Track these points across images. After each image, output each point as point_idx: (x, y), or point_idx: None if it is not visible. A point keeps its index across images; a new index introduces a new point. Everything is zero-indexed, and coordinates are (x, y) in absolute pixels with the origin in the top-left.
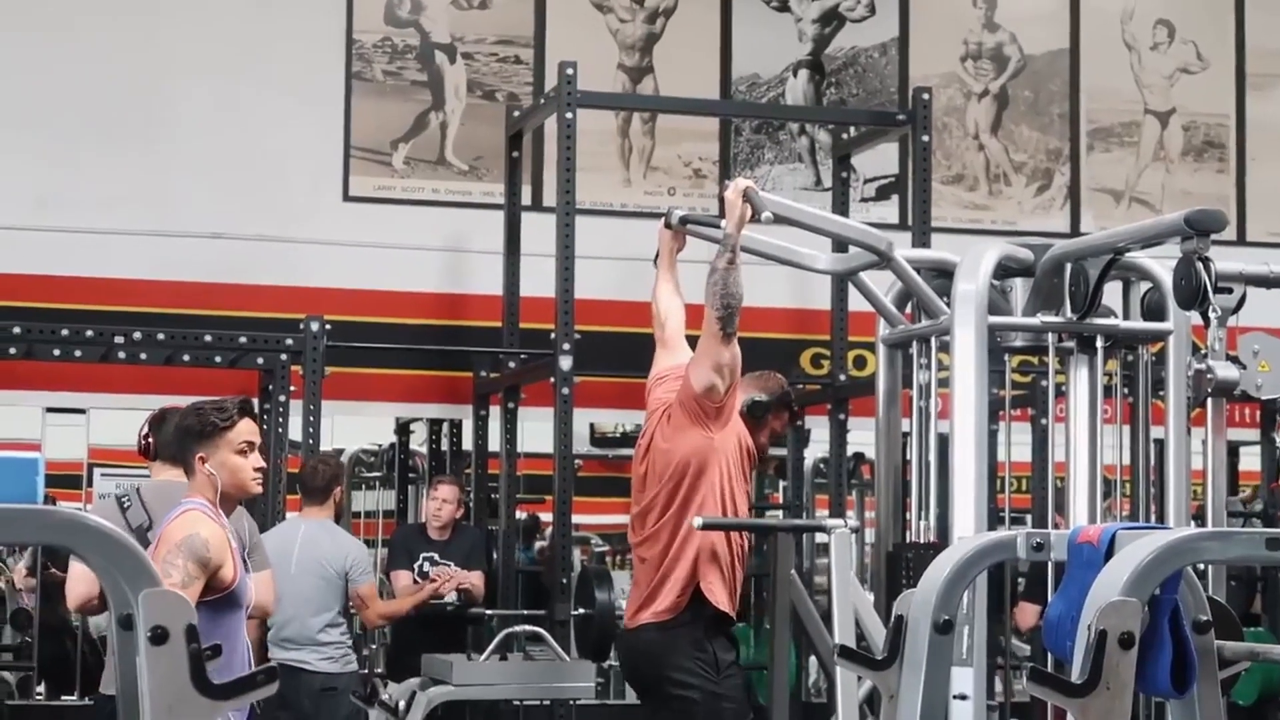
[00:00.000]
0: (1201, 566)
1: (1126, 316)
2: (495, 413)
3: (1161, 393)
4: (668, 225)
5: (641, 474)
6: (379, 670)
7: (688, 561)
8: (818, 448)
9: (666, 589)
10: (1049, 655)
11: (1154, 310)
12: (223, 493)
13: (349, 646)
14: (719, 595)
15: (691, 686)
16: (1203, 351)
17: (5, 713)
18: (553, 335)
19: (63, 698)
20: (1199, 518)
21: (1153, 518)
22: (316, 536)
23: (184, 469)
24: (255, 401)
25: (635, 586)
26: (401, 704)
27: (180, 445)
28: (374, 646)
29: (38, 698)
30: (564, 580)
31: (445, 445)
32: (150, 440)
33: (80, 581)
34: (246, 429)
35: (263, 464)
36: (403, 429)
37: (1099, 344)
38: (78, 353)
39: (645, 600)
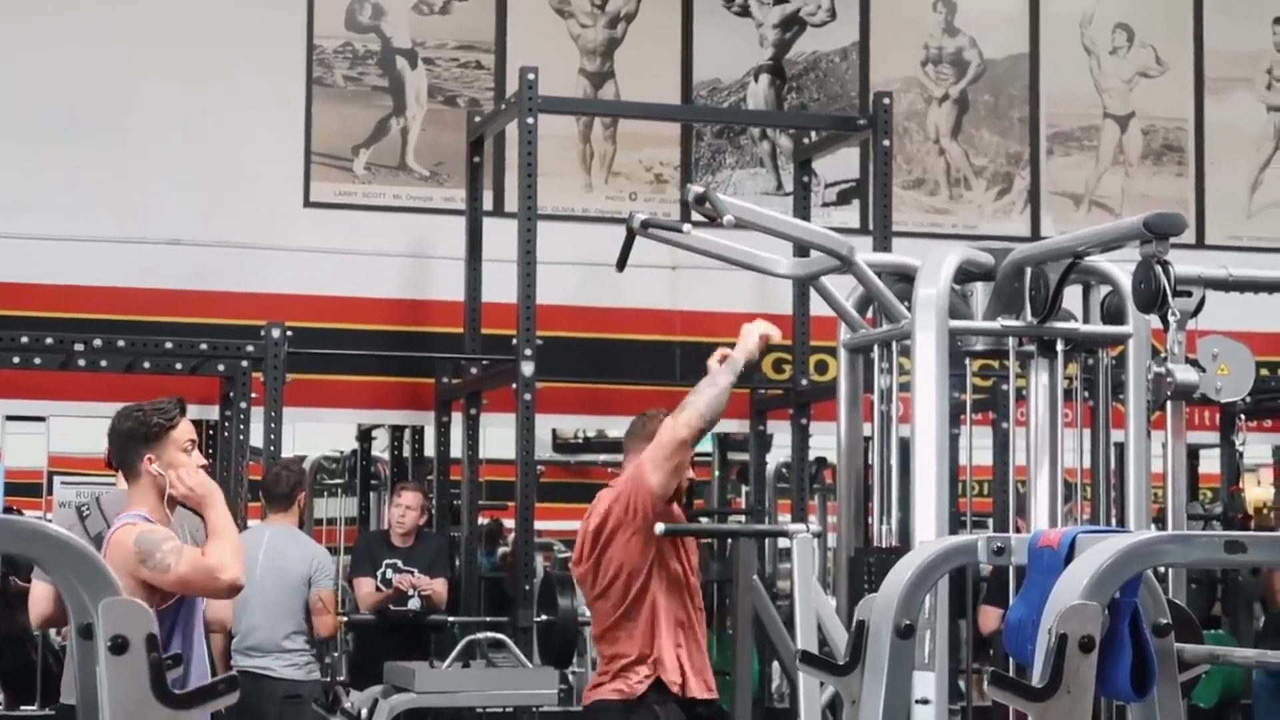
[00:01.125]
0: (1162, 570)
1: (1086, 320)
2: (457, 419)
3: (1122, 396)
4: (630, 230)
5: (585, 573)
6: (341, 678)
7: (654, 648)
8: (780, 452)
9: (631, 672)
10: (1010, 659)
11: (1114, 314)
12: (168, 495)
13: (313, 654)
14: (679, 680)
15: None
16: (1162, 355)
17: None
18: (514, 341)
19: (23, 707)
20: (1159, 521)
21: (1113, 521)
22: (282, 544)
23: (126, 474)
24: (216, 409)
25: (601, 660)
26: (364, 712)
27: (124, 449)
28: (336, 654)
29: None
30: (526, 587)
31: (407, 451)
32: None
33: (41, 601)
34: (187, 428)
35: (205, 462)
36: (364, 435)
37: (1059, 347)
38: (37, 360)
39: (612, 676)
